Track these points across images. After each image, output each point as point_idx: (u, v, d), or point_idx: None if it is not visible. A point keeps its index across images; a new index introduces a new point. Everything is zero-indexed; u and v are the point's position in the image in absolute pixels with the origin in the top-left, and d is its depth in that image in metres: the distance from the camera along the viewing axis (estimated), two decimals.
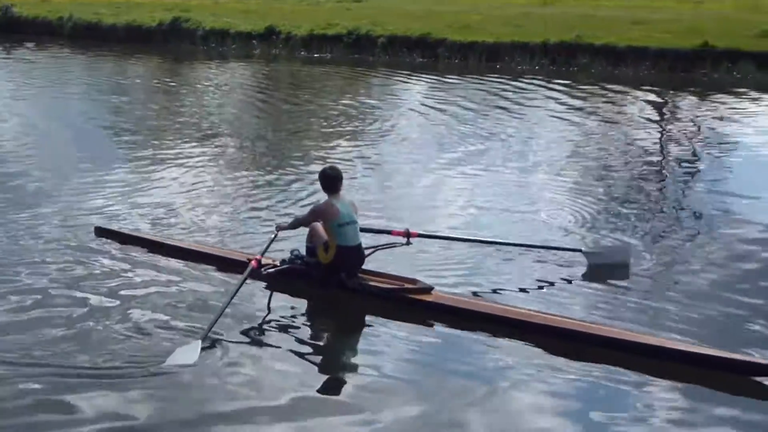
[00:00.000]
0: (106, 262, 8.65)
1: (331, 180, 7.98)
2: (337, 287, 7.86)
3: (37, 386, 6.19)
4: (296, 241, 8.44)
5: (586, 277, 8.33)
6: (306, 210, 8.66)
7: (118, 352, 6.65)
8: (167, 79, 23.71)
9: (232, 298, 7.22)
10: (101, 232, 9.43)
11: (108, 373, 6.36)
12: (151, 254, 8.86)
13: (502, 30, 25.33)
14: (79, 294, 7.81)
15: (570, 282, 8.19)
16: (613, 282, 8.16)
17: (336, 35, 27.13)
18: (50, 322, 7.21)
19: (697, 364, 6.39)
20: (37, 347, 6.73)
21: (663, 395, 6.16)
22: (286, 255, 8.19)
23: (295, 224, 8.30)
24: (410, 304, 7.52)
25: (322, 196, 8.18)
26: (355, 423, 5.88)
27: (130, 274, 8.34)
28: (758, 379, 6.25)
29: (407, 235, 8.41)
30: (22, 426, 5.72)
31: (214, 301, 7.55)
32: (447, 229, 9.54)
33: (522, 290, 8.01)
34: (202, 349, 6.57)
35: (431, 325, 7.27)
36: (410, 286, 7.66)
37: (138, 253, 8.88)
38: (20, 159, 13.44)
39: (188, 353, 6.50)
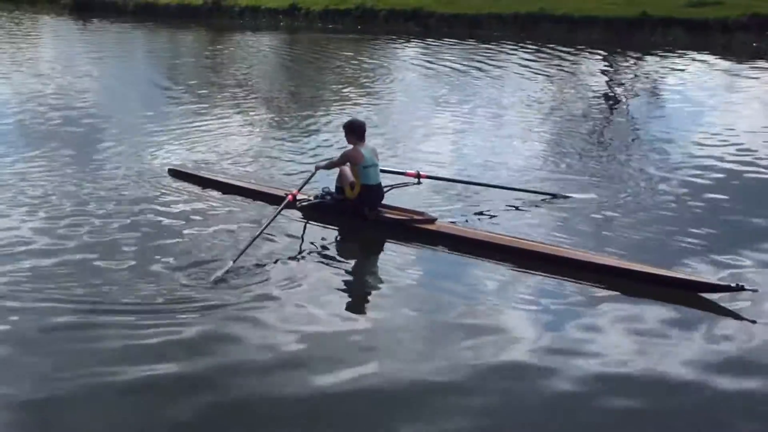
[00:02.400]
0: (176, 197, 8.56)
1: (358, 129, 7.82)
2: (359, 218, 7.76)
3: (110, 310, 5.96)
4: (327, 181, 8.31)
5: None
6: (337, 153, 8.53)
7: (171, 274, 6.48)
8: (213, 47, 23.32)
9: (266, 227, 7.08)
10: (173, 173, 9.32)
11: (167, 288, 6.19)
12: (213, 190, 8.75)
13: (481, 3, 24.74)
14: (150, 222, 7.72)
15: (548, 216, 7.99)
16: (586, 215, 7.95)
17: (346, 9, 26.58)
18: (119, 249, 7.02)
19: (654, 282, 6.27)
20: (102, 274, 6.51)
21: (627, 309, 6.03)
22: (319, 192, 8.08)
23: (329, 165, 8.15)
24: (417, 232, 7.42)
25: (346, 142, 8.01)
26: (368, 324, 5.90)
27: (196, 207, 8.24)
28: (704, 295, 6.15)
29: (418, 176, 8.29)
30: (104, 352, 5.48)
31: (257, 229, 7.38)
32: (450, 171, 9.37)
33: (508, 221, 7.83)
34: (240, 263, 6.49)
35: (434, 250, 7.17)
36: (418, 217, 7.55)
37: (203, 190, 8.78)
38: (95, 112, 13.16)
39: (222, 272, 6.38)
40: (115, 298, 6.06)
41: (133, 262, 6.70)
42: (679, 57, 18.67)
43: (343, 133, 7.99)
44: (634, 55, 19.39)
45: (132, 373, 5.11)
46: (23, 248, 7.07)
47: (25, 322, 5.77)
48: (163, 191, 8.72)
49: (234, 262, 6.53)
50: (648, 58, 18.86)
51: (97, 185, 8.91)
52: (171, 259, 6.75)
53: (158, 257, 6.79)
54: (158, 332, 5.59)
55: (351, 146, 7.84)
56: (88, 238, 7.28)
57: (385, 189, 7.89)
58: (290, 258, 6.94)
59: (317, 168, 8.16)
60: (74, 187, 8.81)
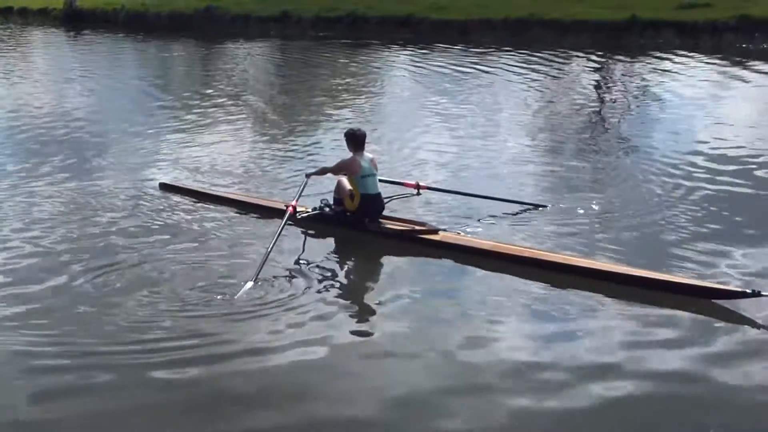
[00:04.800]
0: (169, 212, 8.30)
1: (356, 139, 7.61)
2: (360, 230, 7.53)
3: (111, 328, 5.75)
4: (325, 193, 8.08)
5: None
6: (331, 162, 8.30)
7: (187, 291, 6.28)
8: (204, 57, 23.05)
9: (275, 242, 6.85)
10: (165, 187, 9.04)
11: (177, 310, 5.98)
12: (206, 204, 8.50)
13: (471, 9, 24.47)
14: (146, 241, 7.43)
15: (551, 225, 7.73)
16: (589, 223, 7.74)
17: (338, 17, 26.31)
18: (121, 268, 6.76)
19: (664, 289, 6.09)
20: (104, 294, 6.27)
21: (636, 318, 5.86)
22: (317, 203, 7.85)
23: (321, 171, 7.96)
24: (421, 243, 7.22)
25: (341, 148, 7.78)
26: (372, 334, 5.80)
27: (191, 222, 8.00)
28: (718, 301, 5.94)
29: (417, 186, 8.09)
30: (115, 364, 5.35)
31: (262, 241, 7.17)
32: (446, 180, 9.13)
33: (509, 231, 7.62)
34: (255, 283, 6.31)
35: (438, 260, 6.98)
36: (420, 228, 7.34)
37: (196, 204, 8.53)
38: (84, 127, 12.84)
39: (243, 291, 6.22)
40: (118, 325, 5.80)
41: (130, 285, 6.42)
42: (668, 59, 18.50)
43: (339, 142, 7.78)
44: (624, 59, 19.22)
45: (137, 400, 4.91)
46: (6, 276, 6.74)
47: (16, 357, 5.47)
48: (156, 207, 8.45)
49: (255, 281, 6.34)
50: (638, 61, 18.70)
51: (86, 203, 8.64)
52: (174, 281, 6.51)
53: (159, 280, 6.55)
54: (166, 355, 5.40)
55: (349, 155, 7.62)
56: (78, 263, 6.90)
57: (384, 200, 7.66)
58: (293, 273, 6.73)
59: (308, 175, 7.95)
60: (62, 206, 8.53)
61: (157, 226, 7.87)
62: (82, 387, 5.04)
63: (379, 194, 7.60)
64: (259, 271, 6.45)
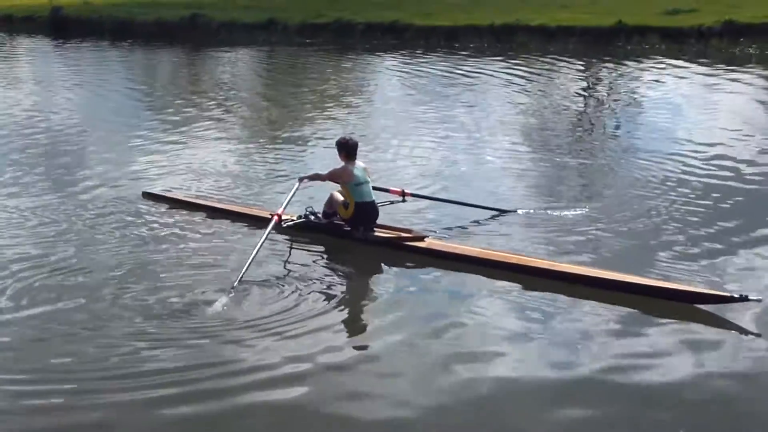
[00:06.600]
0: (152, 222, 8.19)
1: (349, 148, 7.54)
2: (346, 238, 7.48)
3: (92, 345, 5.58)
4: (309, 201, 8.02)
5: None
6: (317, 168, 8.23)
7: (165, 305, 6.15)
8: (189, 64, 22.97)
9: (256, 252, 6.73)
10: (148, 196, 8.95)
11: (159, 323, 5.87)
12: (190, 213, 8.39)
13: (456, 16, 24.57)
14: (124, 252, 7.28)
15: (535, 231, 7.71)
16: (571, 229, 7.69)
17: (324, 23, 26.30)
18: (103, 280, 6.63)
19: (647, 294, 6.05)
20: (89, 306, 6.13)
21: (619, 324, 5.83)
22: (302, 211, 7.78)
23: (314, 177, 7.87)
24: (407, 250, 7.16)
25: (329, 155, 7.71)
26: (358, 340, 5.74)
27: (175, 233, 7.87)
28: (702, 306, 5.91)
29: (403, 194, 8.05)
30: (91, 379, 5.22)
31: (246, 252, 7.01)
32: (431, 189, 9.04)
33: (495, 237, 7.55)
34: (235, 293, 6.23)
35: (424, 268, 6.92)
36: (407, 235, 7.30)
37: (180, 214, 8.42)
38: (69, 134, 12.74)
39: (221, 304, 6.12)
40: (93, 342, 5.65)
41: (113, 299, 6.29)
42: (655, 65, 18.60)
43: (325, 149, 7.72)
44: (611, 64, 19.28)
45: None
46: None
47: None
48: (139, 216, 8.33)
49: (229, 294, 6.24)
50: (624, 66, 18.76)
51: (64, 212, 8.49)
52: (156, 293, 6.37)
53: (141, 290, 6.42)
54: (153, 370, 5.29)
55: (341, 164, 7.56)
56: (54, 275, 6.74)
57: None
58: (275, 284, 6.60)
59: (300, 179, 7.84)
60: (40, 216, 8.35)
61: (137, 237, 7.73)
62: (45, 407, 4.89)
63: (373, 202, 7.52)
64: (237, 282, 6.35)
